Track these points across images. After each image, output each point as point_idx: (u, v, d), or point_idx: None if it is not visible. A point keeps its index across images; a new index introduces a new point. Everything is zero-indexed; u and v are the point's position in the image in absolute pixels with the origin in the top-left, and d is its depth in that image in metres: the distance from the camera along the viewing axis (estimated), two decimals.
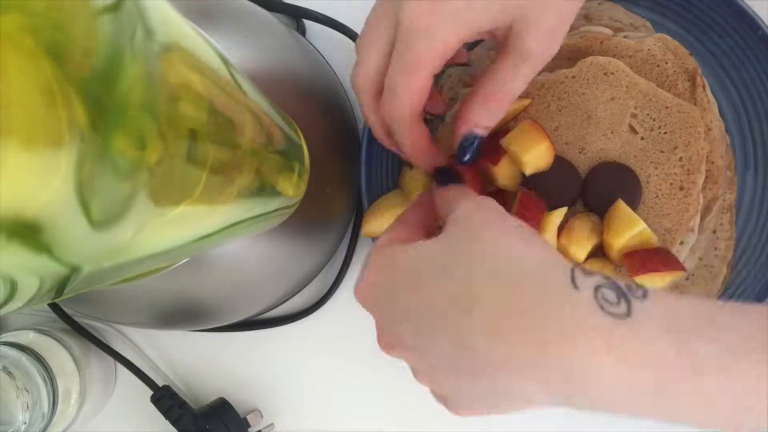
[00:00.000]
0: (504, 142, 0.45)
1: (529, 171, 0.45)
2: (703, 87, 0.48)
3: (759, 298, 0.49)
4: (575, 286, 0.28)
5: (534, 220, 0.44)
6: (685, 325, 0.26)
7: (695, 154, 0.47)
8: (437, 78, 0.52)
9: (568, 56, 0.48)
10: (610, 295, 0.27)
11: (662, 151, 0.47)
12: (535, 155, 0.45)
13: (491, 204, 0.33)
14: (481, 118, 0.39)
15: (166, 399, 0.52)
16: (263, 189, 0.33)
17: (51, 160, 0.15)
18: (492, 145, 0.46)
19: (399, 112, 0.38)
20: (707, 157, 0.47)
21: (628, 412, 0.27)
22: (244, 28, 0.46)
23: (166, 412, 0.51)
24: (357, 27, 0.52)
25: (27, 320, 0.54)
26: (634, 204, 0.46)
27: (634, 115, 0.47)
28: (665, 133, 0.47)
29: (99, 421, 0.55)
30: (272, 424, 0.54)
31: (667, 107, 0.47)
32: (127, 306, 0.47)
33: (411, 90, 0.36)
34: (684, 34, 0.50)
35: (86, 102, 0.15)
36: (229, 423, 0.51)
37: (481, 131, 0.40)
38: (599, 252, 0.47)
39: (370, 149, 0.51)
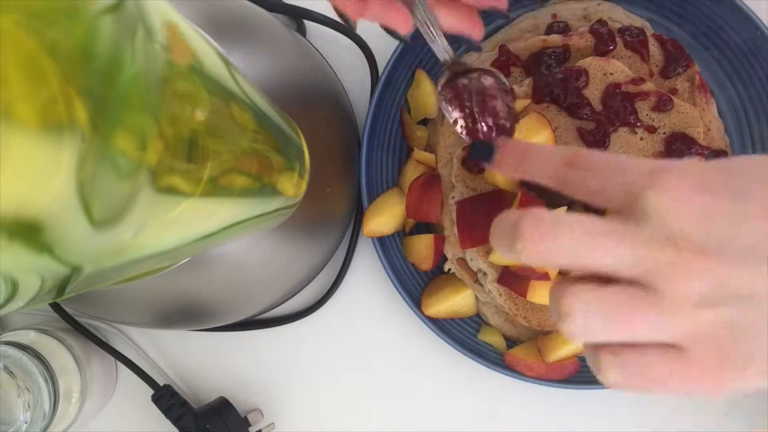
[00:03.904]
0: None
1: None
2: (703, 87, 0.48)
3: None
4: None
5: None
6: None
7: None
8: (437, 78, 0.53)
9: (568, 56, 0.48)
10: None
11: (661, 152, 0.47)
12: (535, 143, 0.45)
13: None
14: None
15: (166, 398, 0.52)
16: (263, 189, 0.33)
17: (52, 159, 0.15)
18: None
19: None
20: None
21: None
22: (245, 29, 0.46)
23: (166, 412, 0.51)
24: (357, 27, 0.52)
25: (28, 320, 0.54)
26: None
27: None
28: (664, 133, 0.47)
29: (100, 420, 0.55)
30: (272, 423, 0.54)
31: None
32: (127, 306, 0.47)
33: None
34: (683, 34, 0.50)
35: (87, 102, 0.16)
36: (229, 422, 0.51)
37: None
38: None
39: (370, 149, 0.51)
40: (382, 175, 0.52)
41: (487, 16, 0.52)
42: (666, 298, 0.26)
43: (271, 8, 0.52)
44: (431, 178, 0.50)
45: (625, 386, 0.28)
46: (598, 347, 0.28)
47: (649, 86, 0.47)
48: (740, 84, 0.50)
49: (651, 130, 0.47)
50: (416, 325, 0.54)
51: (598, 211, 0.47)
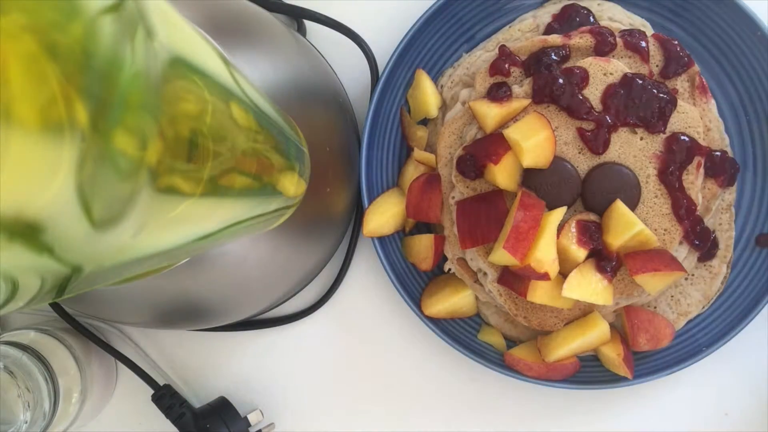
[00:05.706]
0: (507, 131, 0.45)
1: (527, 162, 0.45)
2: (702, 87, 0.48)
3: (758, 299, 0.50)
4: None
5: (534, 220, 0.45)
6: None
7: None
8: (437, 78, 0.53)
9: (568, 56, 0.48)
10: None
11: (661, 152, 0.47)
12: (535, 143, 0.45)
13: None
14: None
15: (166, 398, 0.52)
16: (263, 189, 0.33)
17: (52, 159, 0.15)
18: (493, 144, 0.46)
19: None
20: None
21: None
22: (245, 29, 0.46)
23: (166, 411, 0.52)
24: (357, 27, 0.53)
25: (28, 320, 0.54)
26: (633, 204, 0.46)
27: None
28: (664, 133, 0.47)
29: (100, 419, 0.55)
30: (272, 423, 0.54)
31: None
32: (127, 306, 0.47)
33: None
34: (683, 34, 0.50)
35: (87, 102, 0.16)
36: (229, 422, 0.51)
37: None
38: (599, 252, 0.47)
39: (370, 149, 0.51)
40: (382, 175, 0.52)
41: (487, 15, 0.52)
42: None
43: (271, 8, 0.52)
44: (431, 178, 0.50)
45: None
46: None
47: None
48: (740, 84, 0.50)
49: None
50: (416, 325, 0.54)
51: (598, 212, 0.47)
